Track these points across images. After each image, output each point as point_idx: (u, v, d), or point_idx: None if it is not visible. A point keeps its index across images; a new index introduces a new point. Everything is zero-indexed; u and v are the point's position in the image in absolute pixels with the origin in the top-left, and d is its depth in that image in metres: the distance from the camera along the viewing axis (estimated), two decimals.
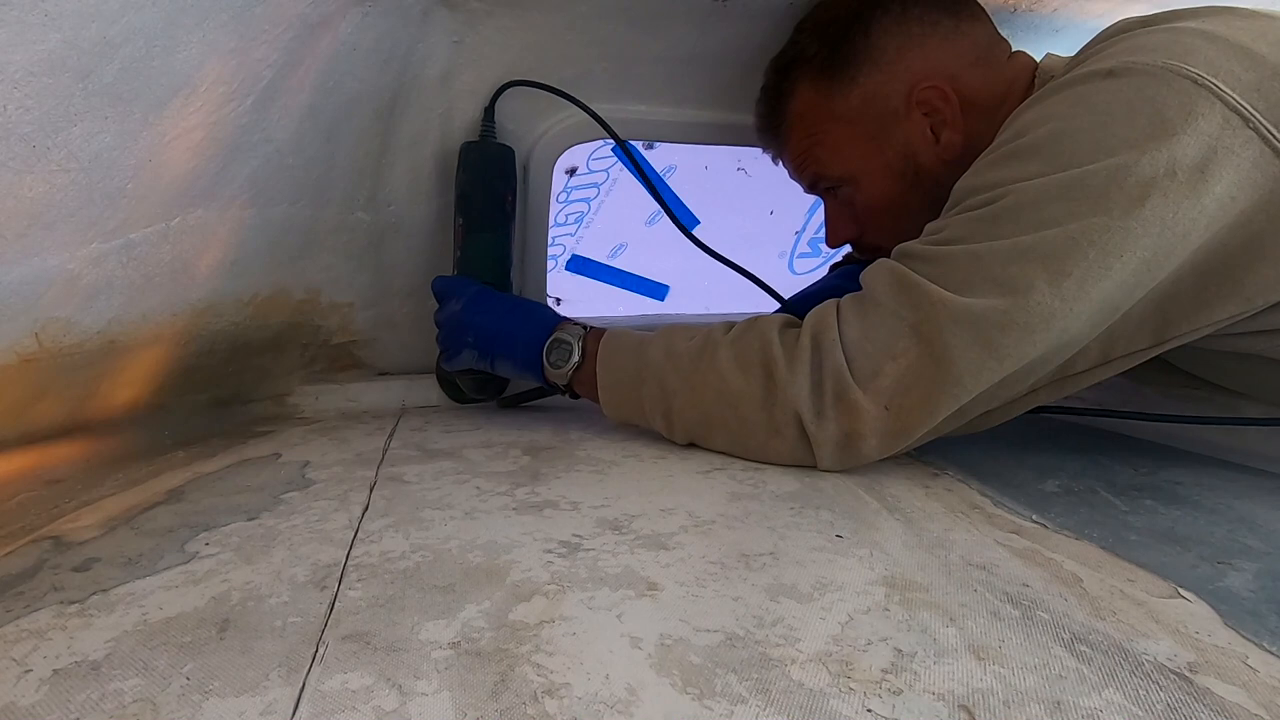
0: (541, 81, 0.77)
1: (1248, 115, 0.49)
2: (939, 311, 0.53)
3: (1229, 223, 0.51)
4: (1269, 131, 0.49)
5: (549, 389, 0.71)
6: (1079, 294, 0.51)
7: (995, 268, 0.52)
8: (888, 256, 0.59)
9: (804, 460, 0.59)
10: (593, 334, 0.67)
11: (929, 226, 0.58)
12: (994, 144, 0.58)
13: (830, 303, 0.59)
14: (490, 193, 0.78)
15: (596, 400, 0.67)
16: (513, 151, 0.79)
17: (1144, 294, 0.53)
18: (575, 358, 0.66)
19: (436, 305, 0.74)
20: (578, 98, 0.77)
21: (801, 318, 0.60)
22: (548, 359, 0.67)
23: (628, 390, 0.64)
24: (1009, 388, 0.56)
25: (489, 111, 0.77)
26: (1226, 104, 0.49)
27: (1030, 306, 0.51)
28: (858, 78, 0.68)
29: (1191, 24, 0.55)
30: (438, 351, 0.74)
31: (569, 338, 0.67)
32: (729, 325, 0.63)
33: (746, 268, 0.85)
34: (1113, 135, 0.51)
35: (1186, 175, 0.49)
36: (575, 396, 0.70)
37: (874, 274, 0.58)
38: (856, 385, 0.55)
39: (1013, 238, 0.52)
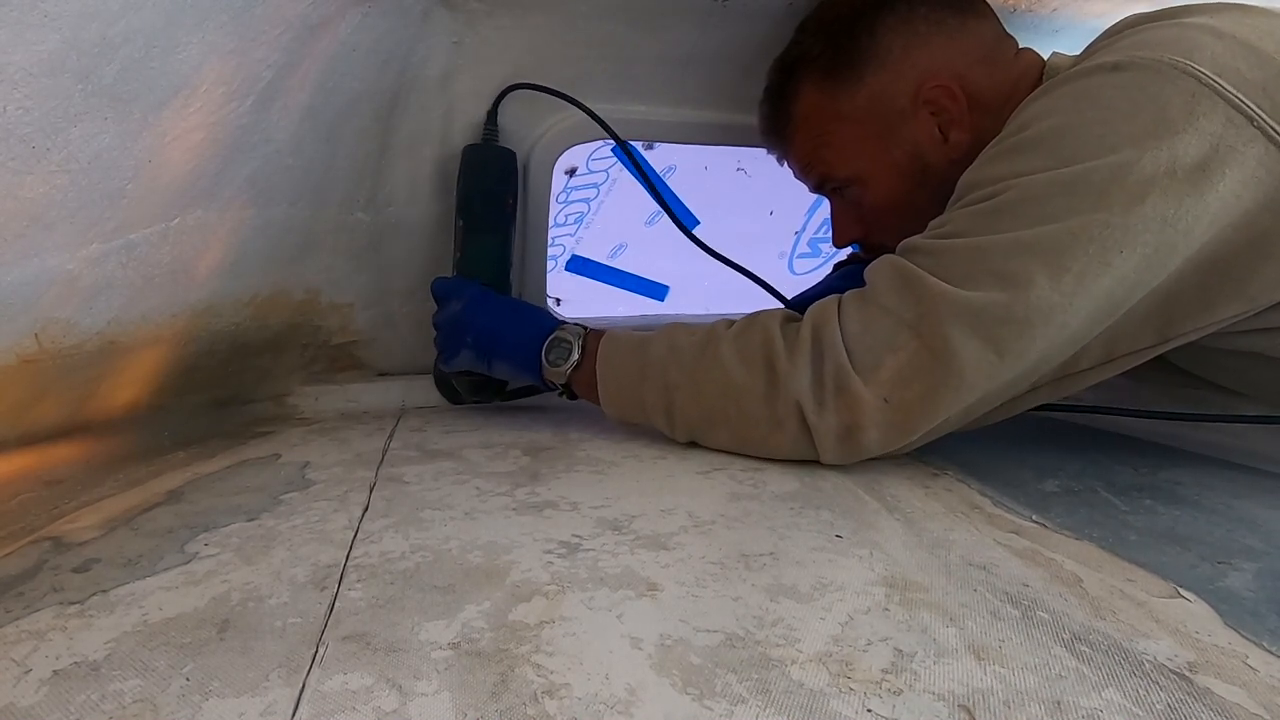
0: (543, 84, 0.77)
1: (1252, 114, 0.49)
2: (939, 304, 0.53)
3: (1233, 221, 0.51)
4: (1274, 130, 0.49)
5: (545, 389, 0.71)
6: (1078, 289, 0.51)
7: (995, 261, 0.52)
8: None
9: (806, 454, 0.59)
10: (593, 334, 0.67)
11: (933, 222, 0.58)
12: (998, 138, 0.58)
13: (832, 297, 0.60)
14: (491, 195, 0.78)
15: (595, 400, 0.67)
16: (514, 155, 0.80)
17: (1146, 292, 0.53)
18: (575, 356, 0.66)
19: (436, 307, 0.74)
20: (578, 99, 0.77)
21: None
22: (546, 358, 0.67)
23: (629, 387, 0.64)
24: (1011, 385, 0.56)
25: (491, 115, 0.77)
26: (1230, 103, 0.49)
27: (1030, 301, 0.51)
28: (863, 77, 0.68)
29: (1201, 20, 0.55)
30: (436, 353, 0.74)
31: (569, 337, 0.67)
32: (731, 322, 0.63)
33: (747, 269, 0.85)
34: (1115, 132, 0.51)
35: (1187, 173, 0.50)
36: (573, 397, 0.70)
37: (877, 269, 0.59)
38: (857, 377, 0.55)
39: (1013, 232, 0.52)
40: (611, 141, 0.82)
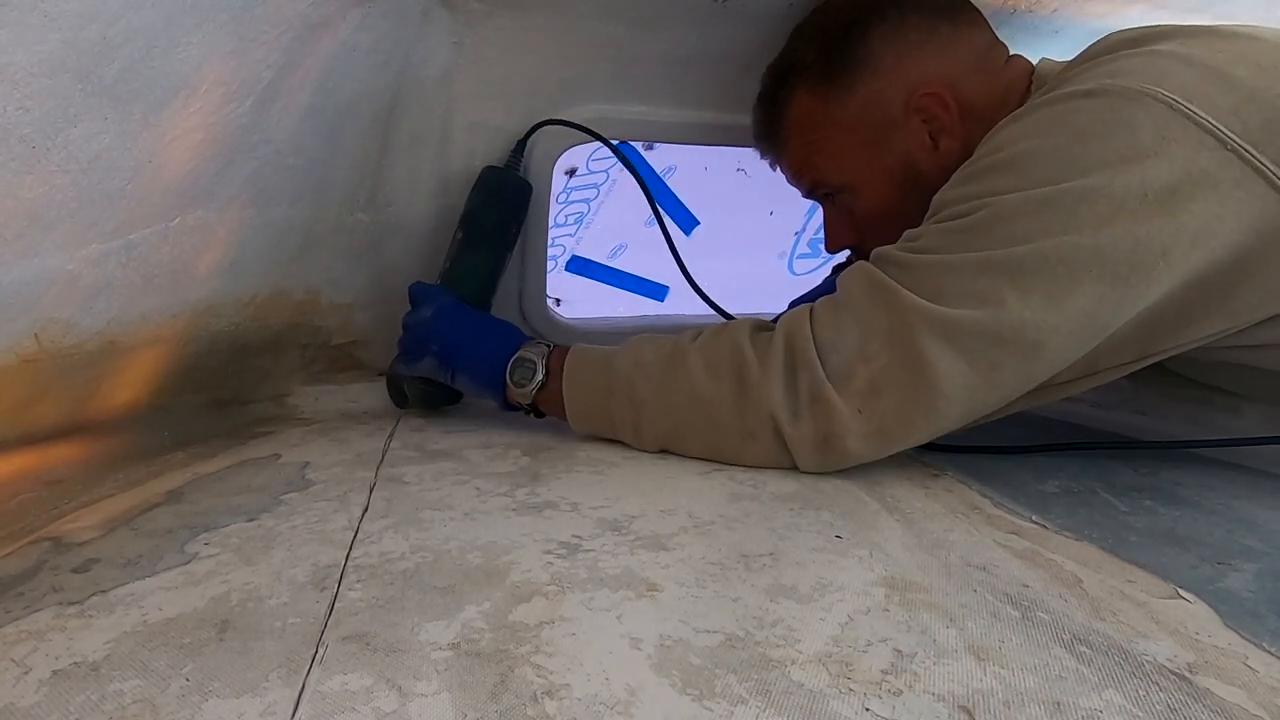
0: (571, 120, 0.80)
1: (1224, 138, 0.50)
2: (910, 316, 0.53)
3: (1217, 242, 0.51)
4: (1247, 152, 0.50)
5: (507, 409, 0.70)
6: (1049, 308, 0.52)
7: (966, 279, 0.53)
8: None
9: (781, 463, 0.58)
10: (557, 351, 0.67)
11: (907, 233, 0.58)
12: (974, 157, 0.58)
13: (805, 306, 0.60)
14: (498, 217, 0.79)
15: (562, 417, 0.66)
16: (531, 188, 0.80)
17: (1136, 311, 0.53)
18: (539, 376, 0.66)
19: (409, 308, 0.73)
20: (606, 136, 0.80)
21: None
22: (511, 378, 0.66)
23: (596, 404, 0.64)
24: (991, 402, 0.55)
25: (520, 145, 0.79)
26: (1201, 127, 0.50)
27: (1001, 318, 0.52)
28: (856, 85, 0.68)
29: (1171, 47, 0.55)
30: (397, 351, 0.73)
31: (533, 356, 0.66)
32: (698, 332, 0.63)
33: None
34: (1087, 156, 0.52)
35: (1157, 196, 0.50)
36: (540, 415, 0.69)
37: (850, 276, 0.59)
38: (831, 386, 0.55)
39: (985, 251, 0.53)
40: (614, 141, 0.82)
